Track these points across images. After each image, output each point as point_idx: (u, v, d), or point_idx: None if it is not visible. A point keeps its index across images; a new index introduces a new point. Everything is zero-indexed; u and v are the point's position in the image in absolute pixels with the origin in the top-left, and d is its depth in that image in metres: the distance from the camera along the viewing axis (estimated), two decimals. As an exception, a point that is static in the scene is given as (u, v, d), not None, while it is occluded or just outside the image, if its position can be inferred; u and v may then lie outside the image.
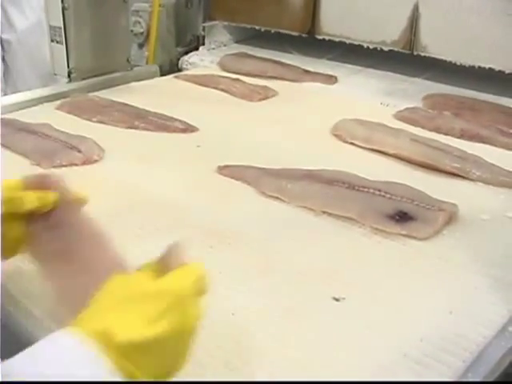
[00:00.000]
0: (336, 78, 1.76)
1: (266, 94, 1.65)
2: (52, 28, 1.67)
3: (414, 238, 0.97)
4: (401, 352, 0.74)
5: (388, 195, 1.05)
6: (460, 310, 0.81)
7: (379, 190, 1.07)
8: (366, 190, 1.07)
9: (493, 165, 1.20)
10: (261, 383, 0.70)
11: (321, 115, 1.51)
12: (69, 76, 1.70)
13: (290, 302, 0.83)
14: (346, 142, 1.35)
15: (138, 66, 1.95)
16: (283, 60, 1.89)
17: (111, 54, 1.79)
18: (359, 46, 1.76)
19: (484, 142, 1.34)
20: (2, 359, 0.90)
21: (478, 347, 0.75)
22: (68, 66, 1.69)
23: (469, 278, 0.88)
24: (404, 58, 1.71)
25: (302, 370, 0.72)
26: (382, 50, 1.73)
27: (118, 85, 1.75)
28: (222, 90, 1.70)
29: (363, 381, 0.70)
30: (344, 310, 0.82)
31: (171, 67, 2.04)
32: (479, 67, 1.55)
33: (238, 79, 1.75)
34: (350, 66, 1.85)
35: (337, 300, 0.83)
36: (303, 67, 1.84)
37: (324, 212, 1.04)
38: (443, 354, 0.73)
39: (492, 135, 1.36)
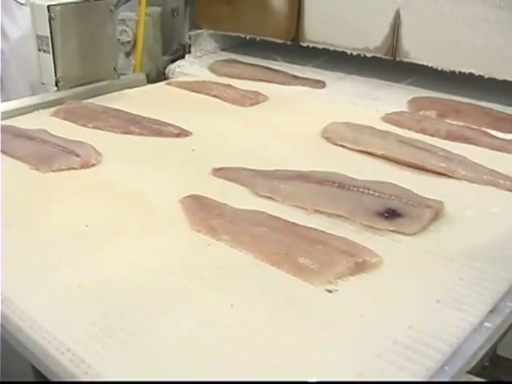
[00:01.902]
0: (324, 82, 1.81)
1: (256, 99, 1.70)
2: (39, 37, 1.70)
3: (402, 233, 1.02)
4: (391, 338, 0.78)
5: (377, 193, 1.10)
6: (446, 299, 0.85)
7: (368, 189, 1.11)
8: (355, 189, 1.12)
9: (477, 164, 1.25)
10: (260, 383, 0.73)
11: (310, 119, 1.56)
12: (56, 85, 1.73)
13: (287, 294, 0.87)
14: (336, 144, 1.39)
15: (125, 74, 1.98)
16: (270, 66, 1.94)
17: (98, 62, 1.82)
18: (343, 52, 1.81)
19: (468, 143, 1.39)
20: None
21: (463, 333, 0.79)
22: (55, 75, 1.72)
23: (455, 270, 0.93)
24: (387, 64, 1.76)
25: (297, 358, 0.76)
26: (365, 56, 1.78)
27: (105, 93, 1.78)
28: (214, 95, 1.74)
29: (363, 381, 0.73)
30: (337, 300, 0.86)
31: (158, 75, 2.08)
32: (460, 72, 1.60)
33: (229, 85, 1.79)
34: (334, 72, 1.90)
35: (330, 292, 0.88)
36: (290, 73, 1.89)
37: (316, 210, 1.09)
38: (431, 339, 0.78)
39: (476, 136, 1.40)
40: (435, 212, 1.06)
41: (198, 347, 0.77)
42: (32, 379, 1.03)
